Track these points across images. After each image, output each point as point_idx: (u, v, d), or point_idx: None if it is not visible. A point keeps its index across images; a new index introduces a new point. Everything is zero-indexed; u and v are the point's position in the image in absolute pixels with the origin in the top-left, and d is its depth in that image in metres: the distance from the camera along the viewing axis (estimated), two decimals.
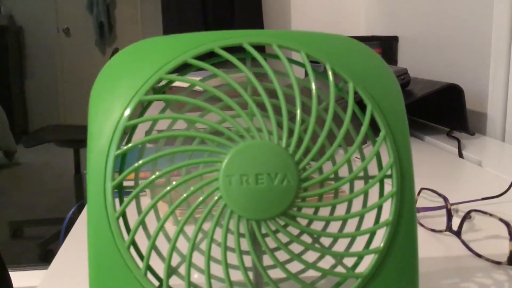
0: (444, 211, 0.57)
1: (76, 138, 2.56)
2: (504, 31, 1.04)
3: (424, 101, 1.03)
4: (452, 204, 0.57)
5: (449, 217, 0.53)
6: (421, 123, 1.18)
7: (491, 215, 0.49)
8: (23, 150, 3.60)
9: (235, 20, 2.10)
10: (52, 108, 4.89)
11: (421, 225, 0.56)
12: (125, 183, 0.30)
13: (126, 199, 0.28)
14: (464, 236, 0.52)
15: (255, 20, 2.03)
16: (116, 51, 3.15)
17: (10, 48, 4.70)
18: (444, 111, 1.09)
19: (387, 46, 1.56)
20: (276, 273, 0.30)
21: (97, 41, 4.87)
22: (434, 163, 0.85)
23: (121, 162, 0.30)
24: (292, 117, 0.30)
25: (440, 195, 0.56)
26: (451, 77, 1.26)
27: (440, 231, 0.54)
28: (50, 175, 3.34)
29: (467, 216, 0.52)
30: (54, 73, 4.90)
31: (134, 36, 4.79)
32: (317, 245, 0.31)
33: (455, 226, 0.52)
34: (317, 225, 0.32)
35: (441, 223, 0.55)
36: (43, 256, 2.28)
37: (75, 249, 0.51)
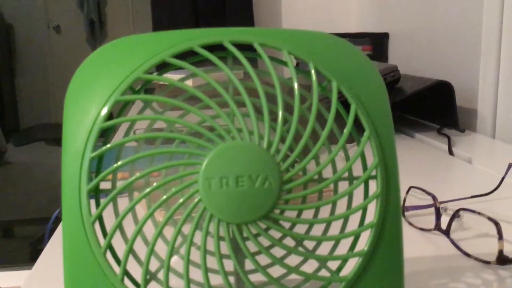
0: (433, 209, 0.57)
1: None
2: (494, 28, 1.03)
3: (415, 98, 1.02)
4: (441, 203, 0.57)
5: (438, 216, 0.53)
6: (411, 120, 1.18)
7: (479, 213, 0.49)
8: (14, 148, 3.58)
9: (226, 17, 2.09)
10: (43, 107, 4.86)
11: (410, 223, 0.55)
12: (103, 185, 0.29)
13: (102, 202, 0.28)
14: (453, 235, 0.52)
15: (245, 16, 2.02)
16: None
17: (0, 45, 4.66)
18: (434, 108, 1.09)
19: (377, 43, 1.55)
20: (258, 277, 0.30)
21: (88, 39, 4.83)
22: (424, 161, 0.84)
23: (98, 164, 0.29)
24: (274, 118, 0.30)
25: (428, 193, 0.56)
26: (442, 74, 1.26)
27: (429, 230, 0.53)
28: (41, 174, 3.32)
29: (456, 215, 0.51)
30: (45, 71, 4.86)
31: (125, 34, 4.76)
32: (300, 249, 0.30)
33: (444, 225, 0.52)
34: (300, 228, 0.31)
35: (430, 221, 0.55)
36: (34, 255, 2.26)
37: (59, 249, 0.50)
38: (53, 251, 0.50)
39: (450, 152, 0.89)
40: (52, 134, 2.63)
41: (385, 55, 1.57)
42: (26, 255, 2.28)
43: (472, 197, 0.63)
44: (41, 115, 4.77)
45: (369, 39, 1.56)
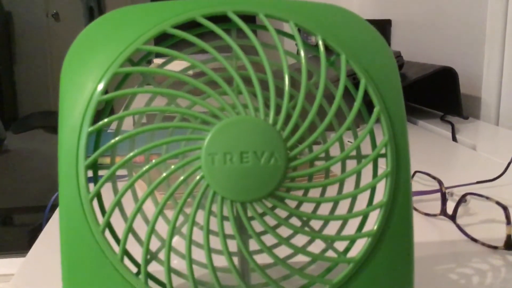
0: (438, 195, 0.56)
1: None
2: (499, 14, 1.02)
3: (418, 84, 1.01)
4: (446, 188, 0.55)
5: (444, 200, 0.52)
6: (415, 107, 1.16)
7: (487, 198, 0.48)
8: (12, 136, 3.56)
9: None
10: (42, 94, 4.83)
11: (415, 209, 0.54)
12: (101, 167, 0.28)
13: (101, 180, 0.26)
14: (459, 220, 0.51)
15: None
16: None
17: None
18: (438, 95, 1.08)
19: (380, 29, 1.52)
20: (263, 258, 0.28)
21: None
22: (427, 147, 0.83)
23: (96, 142, 0.28)
24: (280, 94, 0.28)
25: (434, 178, 0.55)
26: (445, 60, 1.24)
27: (435, 215, 0.52)
28: (39, 161, 3.31)
29: (462, 199, 0.50)
30: (44, 59, 4.83)
31: None
32: (306, 229, 0.29)
33: (449, 210, 0.51)
34: (307, 207, 0.30)
35: (435, 207, 0.54)
36: (33, 243, 2.26)
37: (54, 236, 0.49)
38: (48, 239, 0.49)
39: (454, 139, 0.88)
40: (51, 122, 2.62)
41: (388, 42, 1.55)
42: (25, 243, 2.28)
43: (478, 182, 0.62)
44: (40, 102, 4.74)
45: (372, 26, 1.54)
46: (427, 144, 0.86)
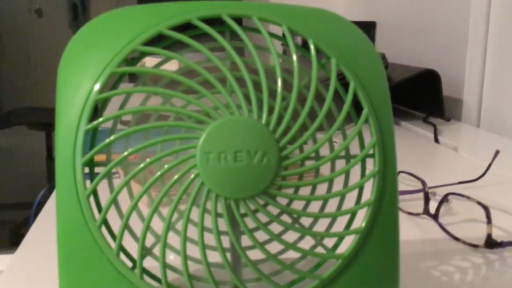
0: (420, 195, 0.57)
1: (48, 121, 2.50)
2: (481, 18, 1.04)
3: (401, 86, 1.03)
4: (429, 188, 0.57)
5: (427, 200, 0.53)
6: (398, 108, 1.18)
7: (469, 198, 0.49)
8: None
9: None
10: (24, 91, 4.77)
11: (399, 208, 0.55)
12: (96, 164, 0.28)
13: (97, 177, 0.27)
14: (441, 220, 0.52)
15: None
16: None
17: None
18: (420, 96, 1.10)
19: (365, 31, 1.55)
20: (254, 255, 0.29)
21: (71, 23, 4.75)
22: (410, 148, 0.85)
23: (92, 140, 0.29)
24: (272, 94, 0.29)
25: (418, 178, 0.56)
26: (428, 63, 1.26)
27: (417, 214, 0.54)
28: (21, 158, 3.27)
29: (444, 199, 0.51)
30: (26, 55, 4.76)
31: None
32: (297, 226, 0.30)
33: (432, 210, 0.52)
34: (297, 205, 0.31)
35: (418, 206, 0.55)
36: (15, 240, 2.24)
37: (43, 233, 0.49)
38: (36, 235, 0.49)
39: (436, 140, 0.90)
40: (33, 118, 2.59)
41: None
42: (6, 240, 2.25)
43: (459, 183, 0.64)
44: (22, 98, 4.69)
45: None
46: (410, 144, 0.87)
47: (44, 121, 2.51)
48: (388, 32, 1.51)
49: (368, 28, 1.57)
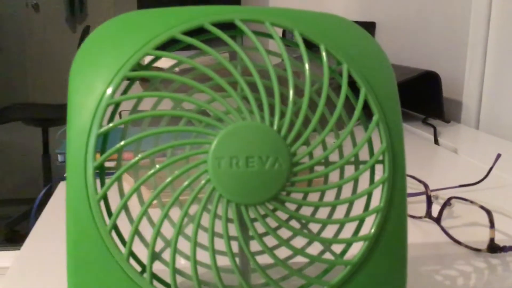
0: (422, 197, 0.57)
1: (44, 117, 2.49)
2: (482, 19, 1.04)
3: (401, 87, 1.03)
4: (431, 191, 0.57)
5: (429, 203, 0.53)
6: None
7: (472, 202, 0.49)
8: None
9: None
10: (20, 86, 4.75)
11: None
12: (107, 166, 0.28)
13: (108, 181, 0.27)
14: (443, 223, 0.52)
15: None
16: (87, 29, 3.06)
17: None
18: (420, 98, 1.10)
19: None
20: (262, 260, 0.29)
21: (68, 18, 4.73)
22: (410, 150, 0.85)
23: (103, 143, 0.29)
24: (282, 100, 0.29)
25: (420, 181, 0.56)
26: (428, 64, 1.26)
27: (420, 218, 0.54)
28: (17, 154, 3.26)
29: (447, 203, 0.52)
30: (23, 50, 4.74)
31: (106, 15, 4.67)
32: (305, 231, 0.30)
33: (434, 213, 0.52)
34: (306, 211, 0.31)
35: (420, 209, 0.55)
36: (10, 236, 2.23)
37: (47, 230, 0.49)
38: (41, 232, 0.49)
39: (436, 142, 0.90)
40: (29, 114, 2.58)
41: None
42: (1, 236, 2.25)
43: (460, 186, 0.64)
44: (18, 94, 4.67)
45: None
46: (410, 146, 0.88)
47: (40, 117, 2.50)
48: (388, 33, 1.51)
49: (368, 28, 1.57)
